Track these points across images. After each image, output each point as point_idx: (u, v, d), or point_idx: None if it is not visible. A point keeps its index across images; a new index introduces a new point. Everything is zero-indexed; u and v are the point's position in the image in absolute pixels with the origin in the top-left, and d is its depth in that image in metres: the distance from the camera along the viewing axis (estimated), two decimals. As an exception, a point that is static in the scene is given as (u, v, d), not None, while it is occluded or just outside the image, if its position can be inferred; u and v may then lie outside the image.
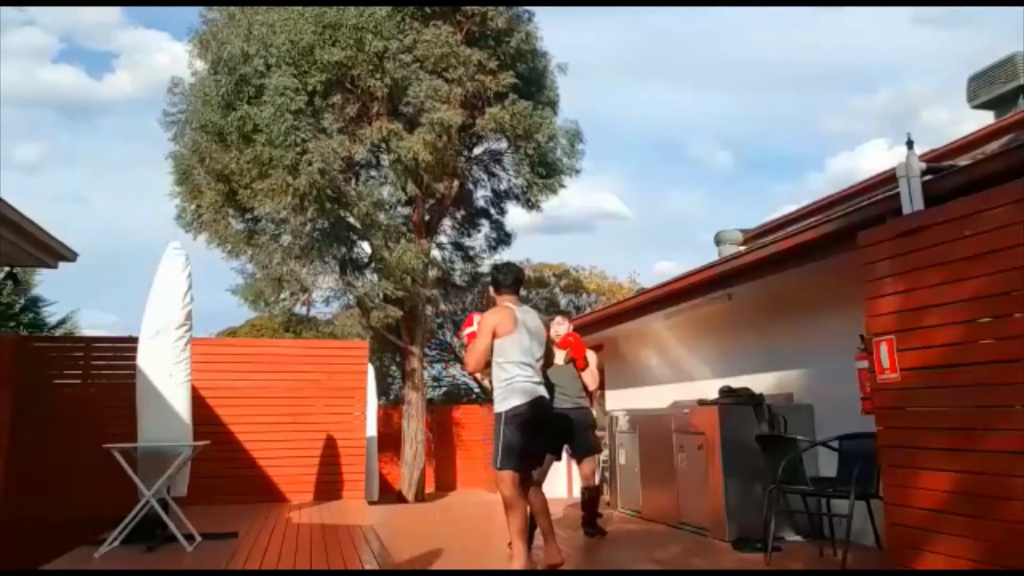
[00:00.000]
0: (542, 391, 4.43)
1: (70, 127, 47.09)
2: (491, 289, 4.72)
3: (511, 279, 4.61)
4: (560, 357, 5.71)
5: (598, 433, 6.53)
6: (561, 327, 6.04)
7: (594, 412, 6.25)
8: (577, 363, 5.82)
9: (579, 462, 5.88)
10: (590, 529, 5.95)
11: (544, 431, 4.43)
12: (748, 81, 47.17)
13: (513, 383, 4.32)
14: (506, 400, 4.32)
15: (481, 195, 13.94)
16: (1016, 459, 3.32)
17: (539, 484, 4.69)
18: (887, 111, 41.66)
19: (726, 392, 6.05)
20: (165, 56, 34.78)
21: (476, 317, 4.80)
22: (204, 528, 5.49)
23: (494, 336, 4.38)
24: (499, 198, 13.83)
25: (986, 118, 8.61)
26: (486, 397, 14.58)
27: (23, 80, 38.73)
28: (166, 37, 41.49)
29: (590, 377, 5.90)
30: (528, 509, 4.40)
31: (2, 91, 37.86)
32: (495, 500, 4.67)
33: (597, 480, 6.69)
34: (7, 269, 9.01)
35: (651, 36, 43.98)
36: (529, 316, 4.55)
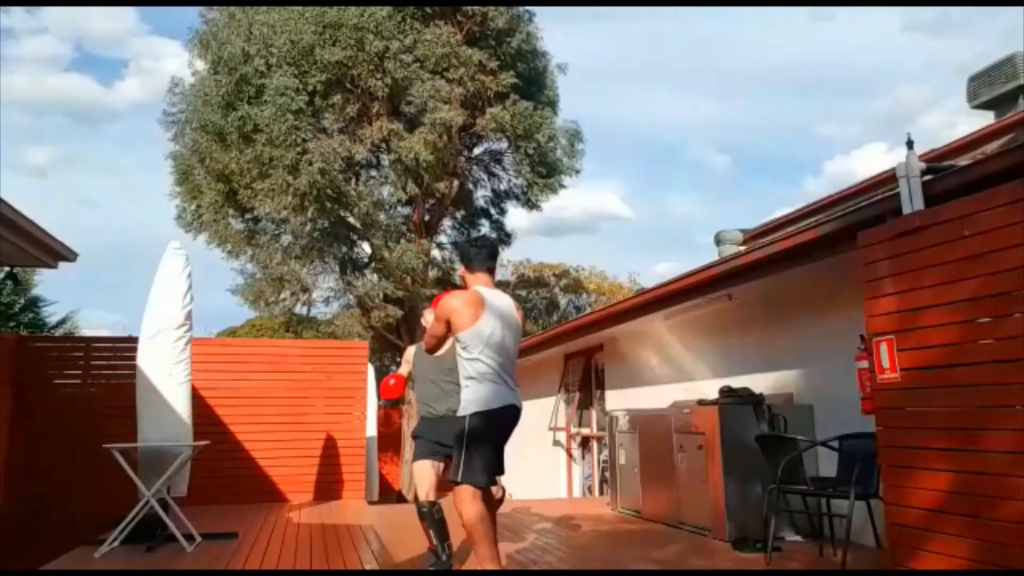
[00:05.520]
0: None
1: (79, 132, 47.22)
2: (461, 268, 3.92)
3: (486, 254, 3.83)
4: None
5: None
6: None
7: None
8: None
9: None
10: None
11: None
12: (746, 86, 47.26)
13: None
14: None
15: (481, 195, 13.99)
16: (1016, 459, 3.32)
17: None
18: (883, 115, 41.76)
19: (726, 392, 6.04)
20: (175, 63, 34.93)
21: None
22: (204, 528, 5.50)
23: (451, 326, 3.61)
24: (499, 198, 13.86)
25: (986, 118, 8.61)
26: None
27: (35, 87, 38.89)
28: (177, 45, 41.56)
29: None
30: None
31: (16, 97, 38.03)
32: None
33: None
34: (7, 269, 9.03)
35: (651, 42, 44.14)
36: (500, 301, 3.74)
